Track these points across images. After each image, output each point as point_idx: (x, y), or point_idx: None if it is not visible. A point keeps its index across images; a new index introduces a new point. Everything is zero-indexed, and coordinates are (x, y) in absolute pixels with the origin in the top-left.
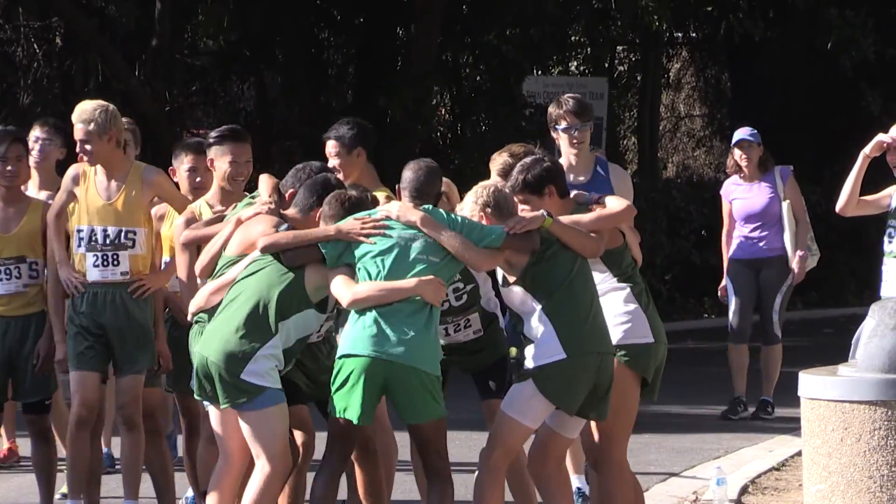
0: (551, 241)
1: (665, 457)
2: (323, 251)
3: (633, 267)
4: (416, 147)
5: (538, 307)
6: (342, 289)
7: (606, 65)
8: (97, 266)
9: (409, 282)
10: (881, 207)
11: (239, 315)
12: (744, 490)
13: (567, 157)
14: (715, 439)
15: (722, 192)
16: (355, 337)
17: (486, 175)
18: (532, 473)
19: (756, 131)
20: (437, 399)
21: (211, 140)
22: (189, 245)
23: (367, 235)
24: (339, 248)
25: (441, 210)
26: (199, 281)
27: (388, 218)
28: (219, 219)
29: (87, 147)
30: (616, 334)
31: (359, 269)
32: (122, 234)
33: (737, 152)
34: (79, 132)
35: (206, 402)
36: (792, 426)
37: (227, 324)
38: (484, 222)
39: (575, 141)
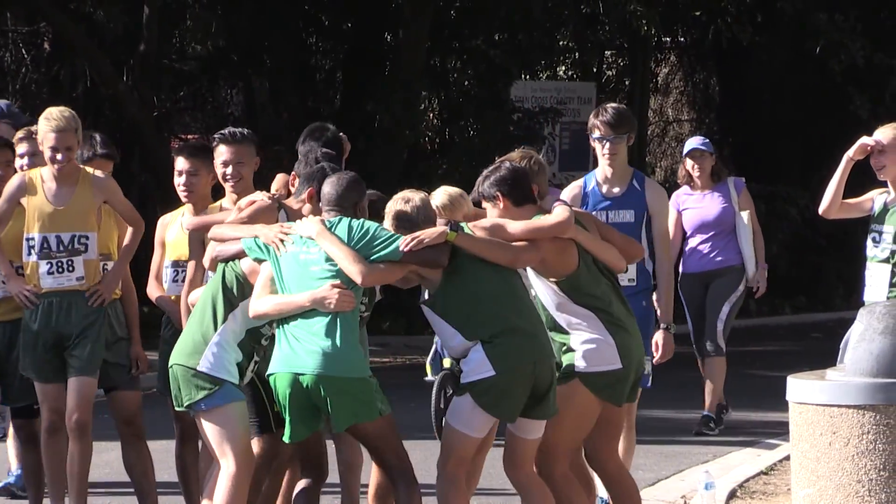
0: (460, 254)
1: (653, 461)
2: (245, 250)
3: (602, 288)
4: (403, 152)
5: (458, 334)
6: (252, 300)
7: (594, 70)
8: (51, 273)
9: (303, 296)
10: (864, 211)
11: (194, 317)
12: (732, 494)
13: (602, 167)
14: (703, 443)
15: (671, 202)
16: (275, 356)
17: (474, 179)
18: (510, 478)
19: (708, 140)
20: (368, 401)
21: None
22: (195, 235)
23: (276, 244)
24: (256, 252)
25: (349, 221)
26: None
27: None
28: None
29: (68, 154)
30: (581, 363)
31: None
32: (76, 239)
33: (688, 162)
34: (65, 139)
35: (191, 413)
36: (780, 430)
37: (186, 327)
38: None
39: (607, 153)
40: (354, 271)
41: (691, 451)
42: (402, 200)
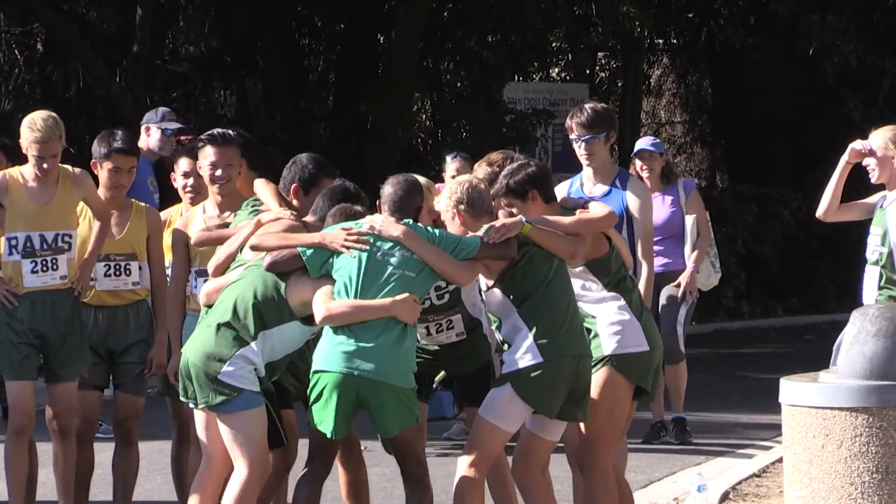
0: (527, 245)
1: (646, 463)
2: (304, 259)
3: (623, 274)
4: (396, 153)
5: (515, 310)
6: (318, 304)
7: (587, 71)
8: (35, 272)
9: (383, 301)
10: (867, 213)
11: (221, 318)
12: (724, 496)
13: (584, 167)
14: (695, 446)
15: None
16: (328, 352)
17: None
18: (516, 479)
19: (659, 141)
20: (411, 410)
21: (198, 144)
22: (178, 246)
23: (349, 247)
24: (321, 258)
25: (420, 225)
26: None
27: (371, 230)
28: (223, 226)
29: (54, 160)
30: (609, 344)
31: (336, 279)
32: (59, 237)
33: (637, 163)
34: (50, 148)
35: (191, 405)
36: (772, 433)
37: (210, 327)
38: (457, 219)
39: (583, 153)
40: (457, 273)
41: (683, 454)
42: (470, 186)
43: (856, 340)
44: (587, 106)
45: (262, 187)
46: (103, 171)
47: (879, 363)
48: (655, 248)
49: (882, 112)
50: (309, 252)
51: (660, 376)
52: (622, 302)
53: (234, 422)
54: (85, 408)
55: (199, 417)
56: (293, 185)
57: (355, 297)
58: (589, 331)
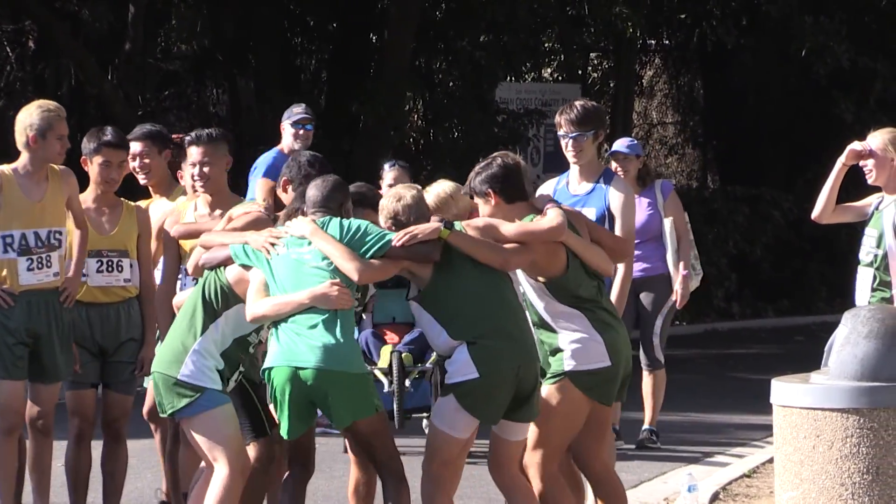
0: (451, 252)
1: (636, 463)
2: (233, 257)
3: (588, 294)
4: (388, 153)
5: (444, 332)
6: (247, 305)
7: (579, 71)
8: (31, 270)
9: (301, 294)
10: (862, 215)
11: (175, 324)
12: (715, 497)
13: (571, 165)
14: (686, 445)
15: None
16: (272, 351)
17: (459, 181)
18: (495, 482)
19: (636, 142)
20: (365, 397)
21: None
22: (169, 243)
23: (266, 248)
24: (244, 259)
25: (339, 220)
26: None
27: (286, 231)
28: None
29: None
30: (570, 362)
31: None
32: (52, 234)
33: (612, 164)
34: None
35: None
36: (763, 433)
37: (168, 335)
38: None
39: (571, 151)
40: (351, 268)
41: (674, 454)
42: (395, 198)
43: (847, 342)
44: (577, 103)
45: (259, 185)
46: (94, 167)
47: (870, 364)
48: (634, 251)
49: (874, 113)
50: (235, 249)
51: (628, 378)
52: (583, 317)
53: (202, 424)
54: (82, 406)
55: (186, 430)
56: (283, 179)
57: (278, 292)
58: (551, 344)
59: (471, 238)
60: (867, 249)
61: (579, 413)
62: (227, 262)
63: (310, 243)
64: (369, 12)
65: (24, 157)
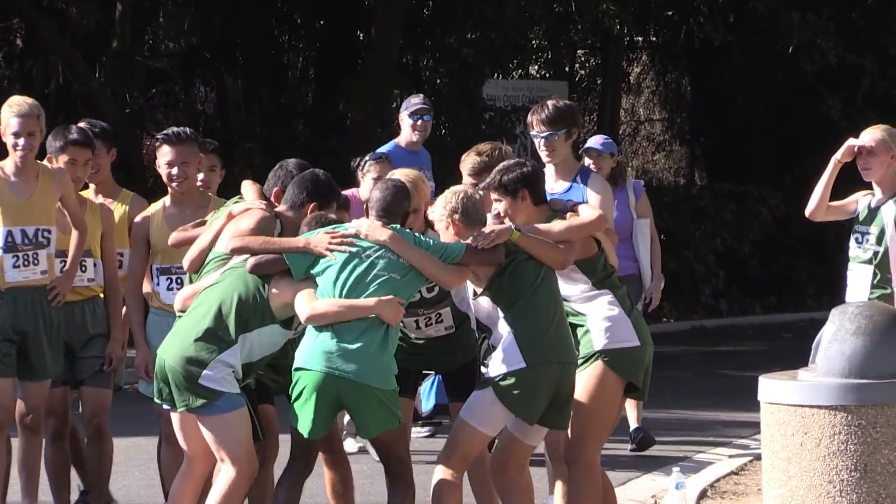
0: (516, 252)
1: (624, 460)
2: (288, 262)
3: (610, 271)
4: (375, 150)
5: (501, 316)
6: (302, 303)
7: (567, 69)
8: (17, 267)
9: (367, 301)
10: (848, 213)
11: (201, 322)
12: (703, 494)
13: (546, 164)
14: (674, 443)
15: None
16: (310, 351)
17: (445, 177)
18: (494, 479)
19: (610, 140)
20: (392, 411)
21: (156, 142)
22: (136, 241)
23: (333, 249)
24: (305, 261)
25: (407, 230)
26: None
27: (357, 234)
28: (201, 223)
29: (32, 140)
30: (600, 339)
31: (320, 282)
32: (40, 232)
33: (585, 161)
34: (27, 124)
35: (165, 406)
36: (751, 430)
37: (188, 330)
38: (451, 229)
39: (543, 150)
40: (444, 276)
41: (662, 451)
42: (464, 196)
43: (835, 338)
44: (549, 103)
45: (246, 186)
46: (59, 165)
47: (858, 361)
48: None
49: (861, 111)
50: (293, 259)
51: (649, 372)
52: (612, 297)
53: (216, 424)
54: (55, 405)
55: (176, 419)
56: (275, 189)
57: (340, 297)
58: (580, 327)
59: (536, 239)
60: (866, 247)
61: (616, 396)
62: (278, 268)
63: (385, 250)
64: (356, 10)
65: (12, 156)
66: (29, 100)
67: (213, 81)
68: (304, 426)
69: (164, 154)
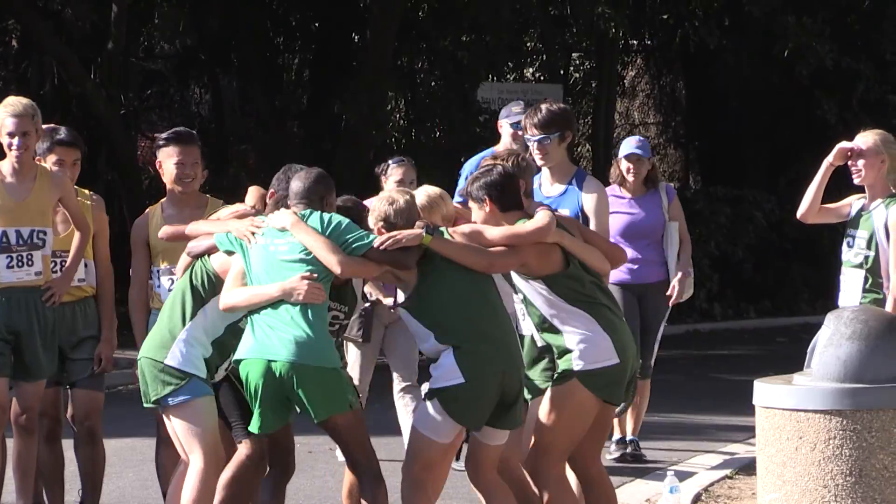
0: (437, 258)
1: (617, 465)
2: (218, 245)
3: (590, 290)
4: (370, 153)
5: (431, 335)
6: (223, 293)
7: (561, 72)
8: (11, 268)
9: (272, 287)
10: (841, 216)
11: (164, 311)
12: (697, 498)
13: (541, 168)
14: (668, 447)
15: None
16: (244, 344)
17: (441, 180)
18: (474, 484)
19: (647, 143)
20: (340, 392)
21: (160, 142)
22: (137, 244)
23: (247, 236)
24: (227, 245)
25: (320, 214)
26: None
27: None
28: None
29: (27, 140)
30: (578, 362)
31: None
32: (35, 234)
33: (624, 164)
34: (22, 124)
35: (146, 405)
36: (746, 434)
37: (158, 324)
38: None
39: (536, 154)
40: (333, 261)
41: (656, 455)
42: (388, 202)
43: (830, 343)
44: (542, 106)
45: (250, 192)
46: (47, 166)
47: (853, 366)
48: (638, 253)
49: (856, 114)
50: (219, 237)
51: (634, 380)
52: (588, 316)
53: (183, 413)
54: (48, 405)
55: (166, 421)
56: (271, 191)
57: (253, 283)
58: (558, 346)
59: (454, 243)
60: (856, 251)
61: (588, 414)
62: (211, 250)
63: (290, 235)
64: (351, 11)
65: (8, 156)
66: (24, 100)
67: (208, 83)
68: (254, 422)
69: (172, 154)
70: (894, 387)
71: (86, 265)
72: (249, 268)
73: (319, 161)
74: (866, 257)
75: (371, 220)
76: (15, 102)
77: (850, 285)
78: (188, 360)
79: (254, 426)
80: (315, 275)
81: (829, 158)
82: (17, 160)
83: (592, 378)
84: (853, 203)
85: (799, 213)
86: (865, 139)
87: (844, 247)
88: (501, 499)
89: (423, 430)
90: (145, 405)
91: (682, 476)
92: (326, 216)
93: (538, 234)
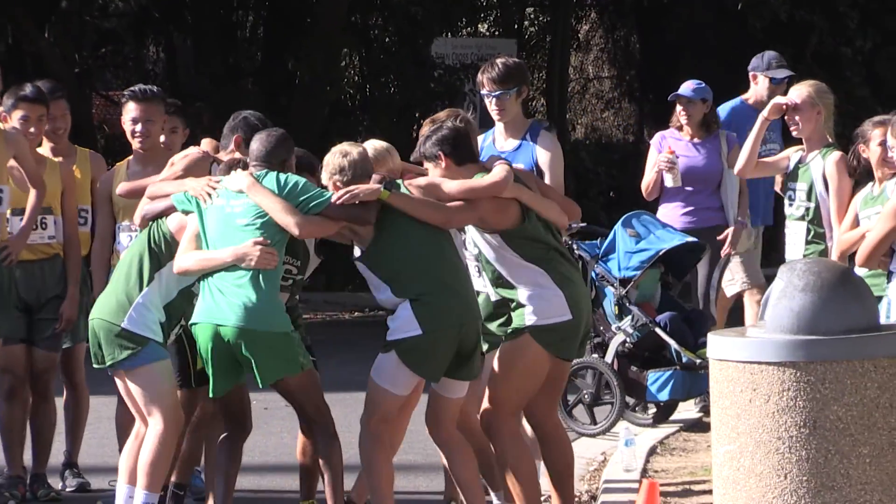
0: (393, 212)
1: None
2: (175, 205)
3: (548, 246)
4: (325, 109)
5: (388, 288)
6: (176, 257)
7: (516, 26)
8: None
9: (224, 251)
10: (780, 170)
11: (119, 273)
12: (652, 451)
13: (496, 122)
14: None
15: (654, 141)
16: (198, 307)
17: (396, 136)
18: (432, 436)
19: (703, 85)
20: (291, 355)
21: (122, 99)
22: (101, 201)
23: (203, 196)
24: (185, 205)
25: (276, 175)
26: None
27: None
28: None
29: None
30: (530, 317)
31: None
32: None
33: (677, 107)
34: None
35: (96, 366)
36: None
37: (112, 285)
38: (334, 190)
39: (494, 109)
40: (290, 222)
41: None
42: (340, 154)
43: (783, 295)
44: (498, 61)
45: (204, 143)
46: (13, 122)
47: (807, 318)
48: (692, 198)
49: (810, 67)
50: (176, 197)
51: (587, 339)
52: (542, 271)
53: (141, 377)
54: (12, 363)
55: (120, 382)
56: (235, 136)
57: (207, 246)
58: (512, 300)
59: (411, 198)
60: (798, 204)
61: (540, 369)
62: (168, 211)
63: (246, 197)
64: None
65: None
66: None
67: (163, 41)
68: (210, 384)
69: (129, 111)
70: (848, 338)
71: (55, 222)
72: (205, 229)
73: (274, 118)
74: (807, 209)
75: (325, 176)
76: None
77: (794, 238)
78: (145, 325)
79: (210, 389)
80: (268, 240)
81: (764, 113)
82: None
83: (544, 333)
84: (791, 156)
85: (736, 169)
86: (800, 92)
87: (786, 200)
88: (460, 454)
89: (380, 381)
90: (95, 366)
91: (638, 429)
92: (283, 177)
93: (495, 187)
